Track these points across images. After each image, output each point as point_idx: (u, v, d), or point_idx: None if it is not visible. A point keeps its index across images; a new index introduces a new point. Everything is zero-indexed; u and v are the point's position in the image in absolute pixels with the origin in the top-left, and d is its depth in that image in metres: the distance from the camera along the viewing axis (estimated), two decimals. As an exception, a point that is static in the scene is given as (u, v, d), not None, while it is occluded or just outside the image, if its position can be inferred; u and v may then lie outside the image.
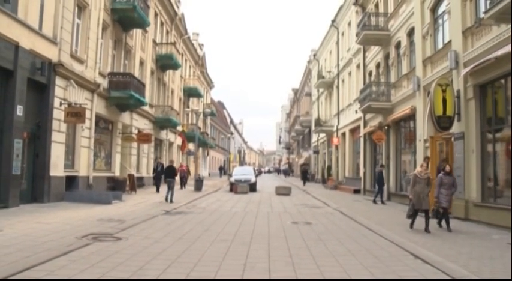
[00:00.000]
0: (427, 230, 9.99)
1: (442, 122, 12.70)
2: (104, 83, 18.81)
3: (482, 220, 11.41)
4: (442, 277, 6.00)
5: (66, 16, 15.28)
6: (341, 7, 31.67)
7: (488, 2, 10.33)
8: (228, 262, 6.56)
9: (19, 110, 12.60)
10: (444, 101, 12.67)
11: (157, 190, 21.71)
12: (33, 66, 13.41)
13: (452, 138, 13.19)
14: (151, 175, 25.54)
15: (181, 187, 26.06)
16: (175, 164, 21.58)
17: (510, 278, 5.51)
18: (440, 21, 15.12)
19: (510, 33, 9.97)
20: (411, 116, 17.31)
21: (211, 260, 6.67)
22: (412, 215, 10.53)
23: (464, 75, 12.20)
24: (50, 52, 14.30)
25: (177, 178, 20.11)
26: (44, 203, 13.83)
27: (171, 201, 16.58)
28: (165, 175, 18.65)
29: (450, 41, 13.54)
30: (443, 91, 12.69)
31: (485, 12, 9.92)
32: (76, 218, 10.92)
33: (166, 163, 30.44)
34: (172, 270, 5.98)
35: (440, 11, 15.04)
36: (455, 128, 12.81)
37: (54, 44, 14.58)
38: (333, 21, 33.71)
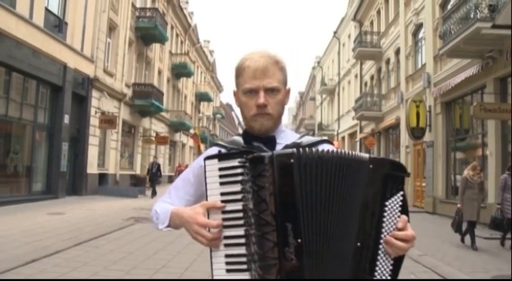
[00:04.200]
0: (473, 246, 8.12)
1: (416, 132, 15.25)
2: (129, 92, 21.55)
3: (446, 214, 13.91)
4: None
5: (101, 37, 18.03)
6: (342, 19, 34.23)
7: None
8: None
9: (66, 119, 15.33)
10: (418, 114, 15.21)
11: (154, 193, 19.17)
12: (76, 82, 16.13)
13: (425, 146, 15.74)
14: (168, 173, 28.07)
15: None
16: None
17: (510, 278, 5.41)
18: (419, 44, 17.66)
19: (466, 62, 12.51)
20: (397, 125, 19.83)
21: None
22: (467, 228, 8.41)
23: (434, 94, 14.74)
24: (88, 69, 17.03)
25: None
26: (83, 196, 16.54)
27: None
28: None
29: (425, 64, 16.08)
30: (417, 106, 15.23)
31: (439, 49, 12.49)
32: (115, 207, 13.63)
33: (175, 163, 33.14)
34: (199, 239, 8.59)
35: (419, 36, 17.57)
36: (427, 138, 15.35)
37: (91, 62, 17.31)
38: (335, 32, 36.25)
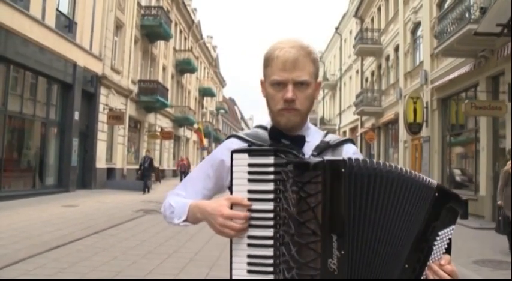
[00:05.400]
0: None
1: (413, 128, 15.79)
2: (135, 89, 22.15)
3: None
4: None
5: (108, 36, 18.59)
6: (344, 15, 34.66)
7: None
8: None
9: (76, 115, 15.94)
10: (415, 110, 15.74)
11: (145, 190, 17.79)
12: (85, 80, 16.72)
13: (422, 141, 16.29)
14: (172, 167, 28.69)
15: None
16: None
17: (510, 278, 5.46)
18: (418, 42, 18.15)
19: (461, 61, 13.02)
20: (396, 120, 20.35)
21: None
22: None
23: (431, 90, 15.27)
24: (96, 67, 17.61)
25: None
26: (92, 189, 17.16)
27: None
28: None
29: (422, 61, 16.59)
30: (414, 103, 15.75)
31: (435, 48, 13.00)
32: (124, 200, 14.26)
33: (180, 158, 33.76)
34: (206, 229, 9.21)
35: (417, 34, 18.06)
36: (424, 133, 15.89)
37: (99, 60, 17.89)
38: (337, 28, 36.70)
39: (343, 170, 1.10)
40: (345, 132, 33.89)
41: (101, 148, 18.19)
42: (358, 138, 28.42)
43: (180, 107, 31.96)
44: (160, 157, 28.46)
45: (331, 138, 1.36)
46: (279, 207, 1.13)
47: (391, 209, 1.12)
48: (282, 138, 1.27)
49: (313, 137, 1.35)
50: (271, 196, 1.14)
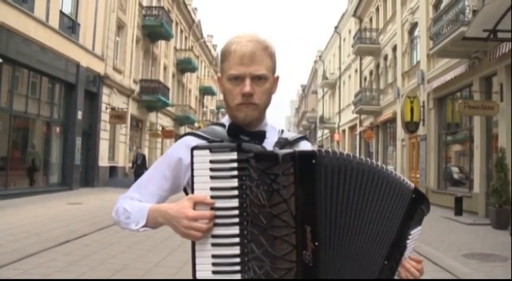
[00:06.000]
0: None
1: (410, 127, 16.09)
2: (136, 88, 22.46)
3: (437, 203, 14.79)
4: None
5: (110, 36, 18.89)
6: (343, 15, 34.93)
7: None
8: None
9: (79, 115, 16.25)
10: (412, 109, 16.04)
11: None
12: (88, 80, 17.02)
13: (419, 139, 16.61)
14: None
15: None
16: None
17: (510, 278, 5.46)
18: (415, 42, 18.44)
19: (455, 62, 13.32)
20: (394, 119, 20.65)
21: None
22: None
23: (427, 90, 15.57)
24: (99, 67, 17.91)
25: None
26: (95, 187, 17.49)
27: None
28: None
29: (419, 61, 16.89)
30: (411, 102, 16.05)
31: (430, 49, 13.31)
32: (127, 198, 14.58)
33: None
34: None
35: (415, 34, 18.36)
36: (421, 132, 16.20)
37: (102, 60, 18.19)
38: (336, 27, 36.99)
39: (314, 161, 1.10)
40: (344, 131, 34.24)
41: (103, 146, 18.52)
42: (357, 136, 28.75)
43: (181, 106, 32.25)
44: (161, 155, 28.74)
45: (288, 135, 1.36)
46: (245, 203, 1.10)
47: (363, 201, 1.13)
48: (241, 135, 1.26)
49: (271, 133, 1.34)
50: (235, 192, 1.11)
